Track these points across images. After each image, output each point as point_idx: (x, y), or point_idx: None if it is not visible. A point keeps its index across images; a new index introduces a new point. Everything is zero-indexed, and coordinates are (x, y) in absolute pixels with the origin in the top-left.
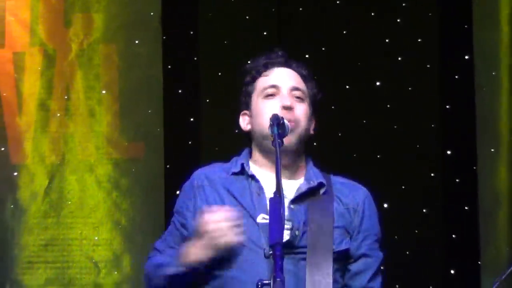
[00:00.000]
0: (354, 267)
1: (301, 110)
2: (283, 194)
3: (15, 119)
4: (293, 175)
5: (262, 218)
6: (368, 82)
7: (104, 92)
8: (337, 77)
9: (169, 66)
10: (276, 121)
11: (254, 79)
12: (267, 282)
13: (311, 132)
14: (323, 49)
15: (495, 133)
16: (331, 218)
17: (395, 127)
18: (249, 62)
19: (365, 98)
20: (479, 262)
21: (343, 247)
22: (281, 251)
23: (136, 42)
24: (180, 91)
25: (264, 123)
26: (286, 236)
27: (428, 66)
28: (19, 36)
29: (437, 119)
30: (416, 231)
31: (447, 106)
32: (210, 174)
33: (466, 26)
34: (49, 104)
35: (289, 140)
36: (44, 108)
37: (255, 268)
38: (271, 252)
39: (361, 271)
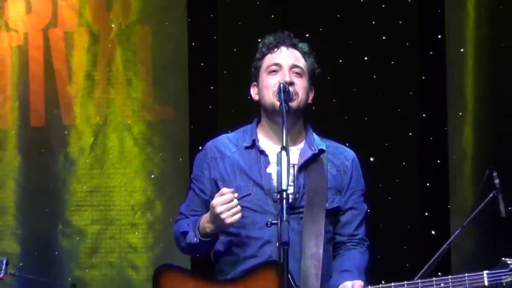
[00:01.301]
0: (343, 218)
1: (299, 84)
2: (288, 150)
3: (65, 88)
4: (295, 140)
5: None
6: (358, 57)
7: (139, 65)
8: (332, 53)
9: (193, 43)
10: (283, 88)
11: (262, 56)
12: (275, 221)
13: (310, 101)
14: (320, 29)
15: (462, 100)
16: (325, 180)
17: (380, 94)
18: (259, 40)
19: (355, 70)
20: (448, 206)
21: (334, 205)
22: (287, 195)
23: (166, 23)
24: (202, 64)
25: (268, 95)
26: (290, 199)
27: (407, 44)
28: (69, 18)
29: (415, 88)
30: (397, 180)
31: (423, 77)
32: (221, 146)
33: (439, 11)
34: (94, 75)
35: (291, 106)
36: (90, 78)
37: (264, 227)
38: (278, 196)
39: (348, 222)
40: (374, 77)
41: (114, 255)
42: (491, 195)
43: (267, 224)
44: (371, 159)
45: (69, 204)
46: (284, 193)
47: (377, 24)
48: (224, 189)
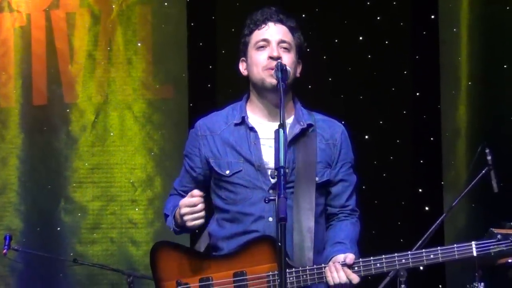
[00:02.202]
0: (334, 190)
1: (287, 59)
2: (285, 127)
3: (67, 67)
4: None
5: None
6: (353, 37)
7: (139, 44)
8: (328, 33)
9: (192, 24)
10: (281, 67)
11: (250, 32)
12: (272, 198)
13: (297, 75)
14: (316, 9)
15: (455, 79)
16: (314, 154)
17: (374, 73)
18: (249, 15)
19: (350, 50)
20: (442, 183)
21: (324, 178)
22: (284, 172)
23: (166, 4)
24: (201, 43)
25: (257, 70)
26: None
27: (401, 24)
28: None
29: (408, 67)
30: (391, 158)
31: (417, 57)
32: (211, 124)
33: None
34: (95, 54)
35: (287, 86)
36: (91, 58)
37: (256, 203)
38: (276, 173)
39: (339, 193)
40: (369, 56)
41: (115, 231)
42: (483, 171)
43: (265, 200)
44: (366, 137)
45: (71, 181)
46: (282, 169)
47: (371, 4)
48: (194, 191)
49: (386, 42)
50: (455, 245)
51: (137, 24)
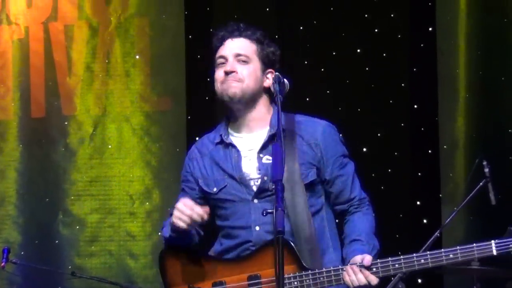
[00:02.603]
0: (334, 188)
1: (244, 70)
2: (282, 139)
3: (66, 79)
4: (259, 125)
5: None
6: (351, 50)
7: (138, 57)
8: (326, 45)
9: (190, 36)
10: (278, 79)
11: (215, 51)
12: (270, 211)
13: (265, 85)
14: (314, 22)
15: (453, 90)
16: (294, 158)
17: (372, 85)
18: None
19: (348, 62)
20: (440, 195)
21: (310, 178)
22: (282, 185)
23: (164, 16)
24: (199, 56)
25: (216, 86)
26: (258, 183)
27: (399, 36)
28: (69, 12)
29: (406, 79)
30: (389, 170)
31: (415, 69)
32: (200, 147)
33: (430, 3)
34: (93, 67)
35: (233, 93)
36: (89, 70)
37: (245, 215)
38: (273, 186)
39: (341, 190)
40: (367, 69)
41: (113, 243)
42: (481, 183)
43: (263, 213)
44: (364, 149)
45: (69, 193)
46: (279, 183)
47: (369, 17)
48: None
49: (384, 54)
50: (474, 244)
51: (135, 36)
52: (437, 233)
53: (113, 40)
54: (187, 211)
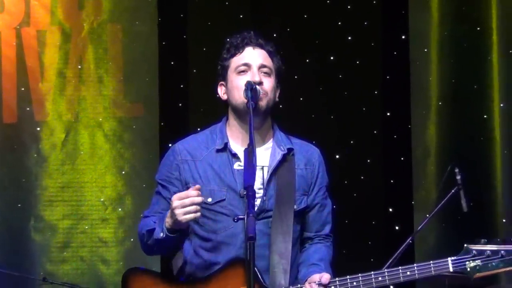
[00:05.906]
0: (310, 214)
1: (268, 83)
2: (254, 146)
3: (38, 85)
4: (263, 139)
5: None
6: (324, 57)
7: (110, 63)
8: (299, 52)
9: (164, 42)
10: (250, 86)
11: (230, 56)
12: (241, 216)
13: (277, 99)
14: (288, 29)
15: (425, 98)
16: (293, 182)
17: (345, 93)
18: (227, 39)
19: (321, 69)
20: (412, 202)
21: (302, 206)
22: (253, 191)
23: (137, 22)
24: (172, 62)
25: (239, 95)
26: (259, 202)
27: (372, 44)
28: (41, 17)
29: (379, 87)
30: (362, 177)
31: (387, 77)
32: (191, 149)
33: (403, 12)
34: (65, 72)
35: (260, 105)
36: (62, 76)
37: (238, 233)
38: (245, 192)
39: (315, 218)
40: (340, 76)
41: (85, 249)
42: (453, 191)
43: (234, 219)
44: (337, 156)
45: (41, 199)
46: (250, 189)
47: (342, 24)
48: (190, 190)
49: (357, 62)
50: (431, 261)
51: (108, 42)
52: (409, 240)
53: (85, 45)
54: (187, 200)
